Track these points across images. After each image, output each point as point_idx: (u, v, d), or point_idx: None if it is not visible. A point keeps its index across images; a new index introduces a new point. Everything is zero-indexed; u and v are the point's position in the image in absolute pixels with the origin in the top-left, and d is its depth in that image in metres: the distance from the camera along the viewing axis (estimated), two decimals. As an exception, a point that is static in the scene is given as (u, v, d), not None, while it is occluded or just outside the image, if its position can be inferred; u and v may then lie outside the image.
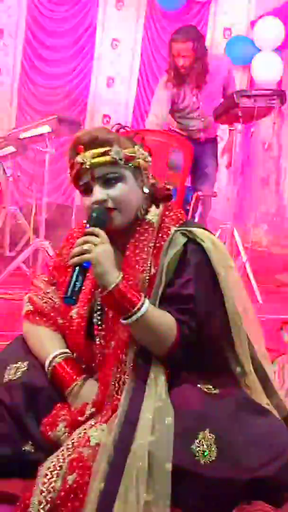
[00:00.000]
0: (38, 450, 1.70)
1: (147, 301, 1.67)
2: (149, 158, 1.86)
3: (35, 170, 5.41)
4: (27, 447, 1.73)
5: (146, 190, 1.83)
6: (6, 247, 5.15)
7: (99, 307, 1.84)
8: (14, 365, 1.84)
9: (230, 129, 5.09)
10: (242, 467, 1.56)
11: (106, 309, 1.82)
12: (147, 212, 1.84)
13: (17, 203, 5.69)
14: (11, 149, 4.97)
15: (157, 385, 1.66)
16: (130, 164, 1.80)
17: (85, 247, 1.64)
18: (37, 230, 4.71)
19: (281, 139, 6.17)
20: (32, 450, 1.72)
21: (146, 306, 1.66)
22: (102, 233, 1.67)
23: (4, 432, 1.74)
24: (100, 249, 1.64)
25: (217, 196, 5.04)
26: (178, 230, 1.80)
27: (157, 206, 1.86)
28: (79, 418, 1.71)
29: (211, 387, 1.72)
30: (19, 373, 1.81)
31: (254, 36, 5.97)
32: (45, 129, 4.71)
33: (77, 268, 1.63)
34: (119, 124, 1.96)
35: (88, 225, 1.70)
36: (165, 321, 1.70)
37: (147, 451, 1.51)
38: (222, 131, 5.37)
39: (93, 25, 6.58)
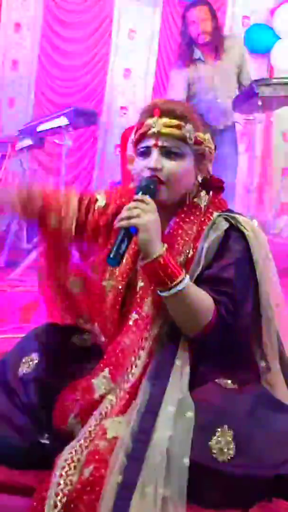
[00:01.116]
0: (54, 441, 1.69)
1: (188, 277, 1.65)
2: (214, 152, 1.85)
3: (52, 162, 5.42)
4: (44, 439, 1.72)
5: (199, 179, 1.83)
6: (23, 239, 5.15)
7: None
8: (27, 357, 1.84)
9: (246, 119, 5.02)
10: (262, 464, 1.54)
11: (137, 279, 1.82)
12: (196, 196, 1.83)
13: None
14: (28, 142, 4.98)
15: (182, 375, 1.65)
16: (196, 148, 1.80)
17: (135, 212, 1.63)
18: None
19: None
20: (48, 442, 1.71)
21: (187, 281, 1.64)
22: (152, 202, 1.67)
23: (21, 425, 1.74)
24: (149, 216, 1.64)
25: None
26: (221, 215, 1.79)
27: (207, 193, 1.85)
28: (94, 397, 1.70)
29: (229, 382, 1.70)
30: (32, 366, 1.82)
31: (274, 24, 5.92)
32: (62, 121, 4.71)
33: (123, 231, 1.64)
34: None
35: (138, 192, 1.70)
36: (204, 299, 1.68)
37: (166, 445, 1.50)
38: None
39: (109, 16, 6.56)
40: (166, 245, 1.66)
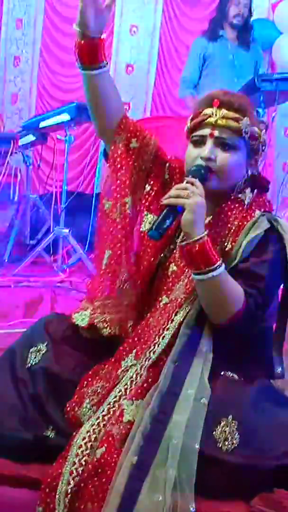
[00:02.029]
0: (59, 435, 1.71)
1: (223, 265, 1.68)
2: (265, 147, 1.88)
3: (55, 158, 5.41)
4: (49, 432, 1.73)
5: (250, 172, 1.85)
6: (27, 236, 5.15)
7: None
8: (35, 347, 1.85)
9: None
10: (265, 454, 1.56)
11: (170, 263, 1.85)
12: (242, 192, 1.85)
13: (38, 191, 5.68)
14: (31, 138, 4.96)
15: (205, 360, 1.67)
16: (251, 143, 1.82)
17: (184, 192, 1.66)
18: (57, 218, 4.70)
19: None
20: (53, 436, 1.72)
21: (222, 269, 1.67)
22: (201, 186, 1.70)
23: (27, 418, 1.75)
24: (197, 199, 1.67)
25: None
26: (264, 215, 1.81)
27: (252, 191, 1.87)
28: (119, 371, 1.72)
29: (235, 375, 1.73)
30: (39, 356, 1.83)
31: (275, 19, 5.89)
32: (65, 117, 4.70)
33: (169, 208, 1.68)
34: None
35: (190, 175, 1.74)
36: (235, 290, 1.70)
37: (184, 428, 1.53)
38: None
39: (112, 10, 6.50)
40: (207, 230, 1.68)
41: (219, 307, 1.71)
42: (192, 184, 1.70)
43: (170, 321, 1.75)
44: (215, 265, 1.66)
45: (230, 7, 5.12)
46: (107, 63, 1.81)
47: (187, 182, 1.71)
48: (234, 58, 5.19)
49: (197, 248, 1.65)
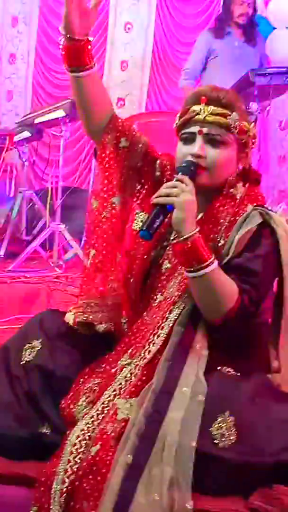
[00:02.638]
0: (54, 432, 1.69)
1: (216, 261, 1.66)
2: (255, 141, 1.87)
3: (51, 154, 5.42)
4: (44, 430, 1.70)
5: (240, 166, 1.84)
6: (23, 231, 5.16)
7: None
8: (30, 344, 1.82)
9: None
10: (263, 451, 1.54)
11: (163, 260, 1.84)
12: (233, 186, 1.83)
13: (33, 187, 5.70)
14: (26, 134, 4.99)
15: (199, 358, 1.66)
16: (240, 137, 1.81)
17: (174, 191, 1.65)
18: (53, 213, 4.71)
19: (298, 117, 6.11)
20: (49, 432, 1.70)
21: (214, 266, 1.65)
22: (191, 183, 1.68)
23: (23, 415, 1.73)
24: (186, 196, 1.65)
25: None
26: (256, 209, 1.80)
27: (244, 185, 1.86)
28: (114, 369, 1.71)
29: (231, 370, 1.71)
30: (34, 353, 1.79)
31: (268, 15, 5.88)
32: (60, 113, 4.74)
33: (159, 207, 1.66)
34: None
35: (179, 173, 1.72)
36: (229, 286, 1.69)
37: (179, 426, 1.51)
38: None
39: (105, 8, 6.52)
40: (199, 228, 1.66)
41: (212, 304, 1.69)
42: (182, 181, 1.68)
43: (164, 319, 1.73)
44: (207, 262, 1.64)
45: (235, 7, 5.20)
46: (94, 65, 1.79)
47: (176, 180, 1.69)
48: (240, 54, 5.25)
49: (188, 245, 1.64)
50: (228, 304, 1.67)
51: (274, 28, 5.87)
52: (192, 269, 1.65)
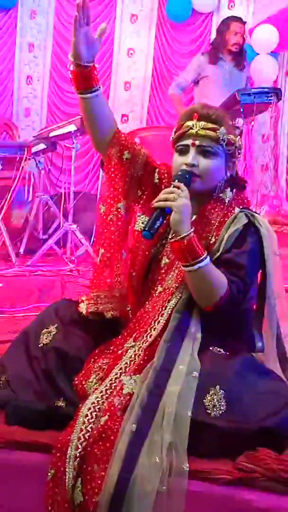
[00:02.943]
0: (68, 405, 1.69)
1: (208, 257, 1.67)
2: (241, 151, 1.87)
3: (64, 164, 5.40)
4: (59, 403, 1.71)
5: (229, 174, 1.84)
6: (40, 231, 5.15)
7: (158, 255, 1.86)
8: (47, 329, 1.82)
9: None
10: (249, 418, 1.55)
11: (162, 256, 1.84)
12: (222, 191, 1.84)
13: (49, 192, 5.68)
14: (42, 146, 4.96)
15: (194, 340, 1.67)
16: (228, 148, 1.80)
17: (171, 196, 1.65)
18: (66, 215, 4.69)
19: (278, 131, 6.11)
20: (63, 406, 1.70)
21: (208, 261, 1.66)
22: (186, 190, 1.68)
23: (41, 391, 1.74)
24: (182, 201, 1.65)
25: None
26: (243, 211, 1.80)
27: (231, 190, 1.86)
28: (120, 350, 1.71)
29: (221, 350, 1.71)
30: (50, 337, 1.80)
31: (252, 42, 5.88)
32: (71, 128, 4.71)
33: (159, 210, 1.66)
34: None
35: (176, 180, 1.72)
36: (219, 277, 1.69)
37: (176, 398, 1.52)
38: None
39: (111, 36, 6.51)
40: (193, 228, 1.67)
41: (206, 294, 1.70)
42: (178, 188, 1.68)
43: (164, 308, 1.74)
44: (201, 258, 1.65)
45: (230, 37, 5.22)
46: (99, 87, 1.79)
47: (173, 187, 1.69)
48: (230, 76, 5.28)
49: (185, 243, 1.64)
50: (219, 293, 1.68)
51: (257, 54, 5.87)
52: (188, 264, 1.65)
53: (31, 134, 5.56)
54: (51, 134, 4.86)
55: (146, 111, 6.36)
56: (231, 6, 6.17)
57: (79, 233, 4.56)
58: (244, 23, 5.38)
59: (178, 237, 1.65)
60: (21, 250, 4.75)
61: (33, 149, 4.79)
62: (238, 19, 5.33)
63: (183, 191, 1.68)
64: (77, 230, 4.57)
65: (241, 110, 4.78)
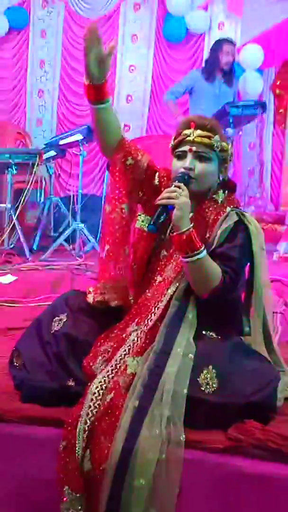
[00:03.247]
0: (77, 384, 1.69)
1: (205, 250, 1.67)
2: (232, 158, 1.88)
3: (72, 169, 5.40)
4: (70, 383, 1.71)
5: (221, 178, 1.84)
6: (51, 229, 5.15)
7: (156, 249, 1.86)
8: (58, 317, 1.82)
9: None
10: (238, 394, 1.56)
11: (161, 250, 1.84)
12: (216, 193, 1.84)
13: (59, 194, 5.68)
14: (52, 153, 4.96)
15: (190, 325, 1.67)
16: (221, 154, 1.81)
17: (173, 194, 1.65)
18: (74, 215, 4.69)
19: (263, 140, 6.09)
20: (73, 385, 1.70)
21: (205, 253, 1.66)
22: (186, 190, 1.69)
23: (53, 372, 1.74)
24: (183, 199, 1.66)
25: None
26: (233, 210, 1.80)
27: (224, 192, 1.86)
28: (124, 334, 1.71)
29: (214, 334, 1.71)
30: (61, 324, 1.80)
31: (240, 60, 5.88)
32: (78, 136, 4.69)
33: (162, 207, 1.66)
34: None
35: (176, 181, 1.72)
36: (214, 268, 1.69)
37: (174, 377, 1.52)
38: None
39: (114, 54, 6.46)
40: (193, 223, 1.67)
41: (202, 283, 1.70)
42: (179, 187, 1.68)
43: (163, 295, 1.74)
44: (199, 250, 1.65)
45: (222, 56, 5.22)
46: (109, 99, 1.80)
47: (175, 186, 1.69)
48: (220, 92, 5.28)
49: (184, 237, 1.64)
50: (214, 282, 1.68)
51: (244, 71, 5.87)
52: (187, 255, 1.66)
53: (42, 142, 5.55)
54: (61, 142, 4.85)
55: (146, 121, 6.34)
56: (221, 28, 6.13)
57: (87, 231, 4.55)
58: (234, 44, 5.38)
59: (180, 231, 1.65)
60: (34, 247, 4.74)
61: (44, 156, 4.78)
62: (229, 41, 5.31)
63: (184, 190, 1.68)
64: (85, 229, 4.55)
65: (231, 120, 4.79)
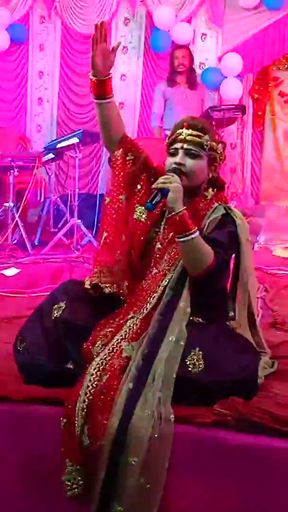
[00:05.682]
0: (76, 367, 1.67)
1: (198, 231, 1.66)
2: (222, 157, 1.86)
3: (69, 170, 5.38)
4: (69, 365, 1.70)
5: (211, 175, 1.83)
6: (51, 225, 5.13)
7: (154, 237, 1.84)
8: (57, 305, 1.79)
9: None
10: (223, 373, 1.56)
11: (156, 242, 1.81)
12: (205, 190, 1.83)
13: (58, 193, 5.65)
14: (51, 156, 4.93)
15: (183, 313, 1.65)
16: (210, 153, 1.79)
17: (168, 179, 1.65)
18: (72, 212, 4.67)
19: (243, 140, 6.09)
20: (72, 367, 1.69)
21: (197, 233, 1.65)
22: (178, 178, 1.69)
23: (53, 355, 1.73)
24: (176, 184, 1.66)
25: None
26: (221, 205, 1.80)
27: (213, 190, 1.85)
28: (122, 321, 1.70)
29: (201, 320, 1.70)
30: (60, 311, 1.77)
31: (221, 67, 5.86)
32: (75, 140, 4.66)
33: (158, 191, 1.67)
34: None
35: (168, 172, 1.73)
36: (207, 248, 1.68)
37: (165, 362, 1.51)
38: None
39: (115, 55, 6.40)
40: (186, 207, 1.66)
41: (197, 262, 1.68)
42: (173, 175, 1.69)
43: (158, 286, 1.73)
44: (192, 230, 1.64)
45: (175, 60, 5.29)
46: (112, 95, 1.79)
47: (168, 174, 1.70)
48: (185, 97, 5.27)
49: (178, 218, 1.64)
50: (207, 260, 1.66)
51: (225, 77, 5.85)
52: (181, 235, 1.65)
53: (41, 146, 5.53)
54: (58, 146, 4.82)
55: (137, 126, 6.31)
56: (203, 39, 6.10)
57: (83, 227, 4.54)
58: (187, 48, 5.43)
59: (173, 213, 1.64)
60: (36, 242, 4.73)
61: (44, 159, 4.76)
62: (178, 47, 5.41)
63: (175, 177, 1.69)
64: (82, 224, 4.54)
65: (213, 123, 4.77)
